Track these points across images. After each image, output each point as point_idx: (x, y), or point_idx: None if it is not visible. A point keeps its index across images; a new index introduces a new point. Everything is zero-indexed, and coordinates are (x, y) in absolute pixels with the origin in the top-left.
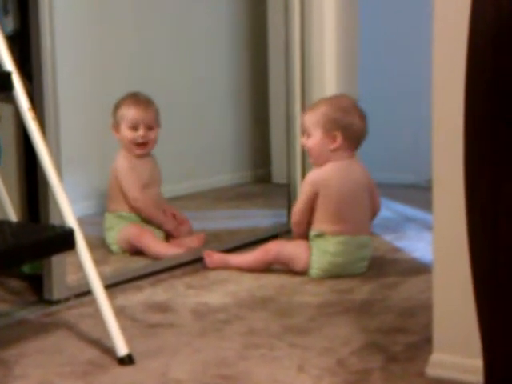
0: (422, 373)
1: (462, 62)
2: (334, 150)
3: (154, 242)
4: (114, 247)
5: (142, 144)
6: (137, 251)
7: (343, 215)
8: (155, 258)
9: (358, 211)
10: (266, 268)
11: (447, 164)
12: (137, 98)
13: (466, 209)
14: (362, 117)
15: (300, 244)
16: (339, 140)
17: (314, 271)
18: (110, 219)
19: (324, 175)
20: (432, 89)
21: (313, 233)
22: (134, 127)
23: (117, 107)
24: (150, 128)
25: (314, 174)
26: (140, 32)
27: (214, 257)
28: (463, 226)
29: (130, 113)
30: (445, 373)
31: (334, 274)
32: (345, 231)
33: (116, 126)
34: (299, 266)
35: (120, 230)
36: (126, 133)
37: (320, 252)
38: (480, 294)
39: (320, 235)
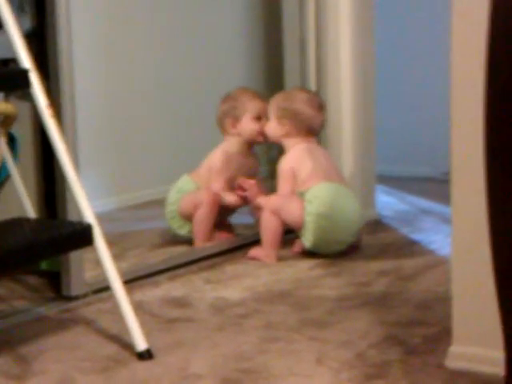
0: (442, 365)
1: (481, 55)
2: (285, 136)
3: (199, 230)
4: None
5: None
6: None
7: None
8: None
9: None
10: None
11: (466, 156)
12: (253, 90)
13: (486, 204)
14: (316, 108)
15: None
16: (287, 127)
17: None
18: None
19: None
20: (450, 81)
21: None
22: (258, 118)
23: (236, 100)
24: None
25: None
26: (156, 30)
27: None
28: (482, 218)
29: (255, 104)
30: (464, 364)
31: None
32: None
33: (234, 120)
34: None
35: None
36: (251, 124)
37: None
38: (502, 285)
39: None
